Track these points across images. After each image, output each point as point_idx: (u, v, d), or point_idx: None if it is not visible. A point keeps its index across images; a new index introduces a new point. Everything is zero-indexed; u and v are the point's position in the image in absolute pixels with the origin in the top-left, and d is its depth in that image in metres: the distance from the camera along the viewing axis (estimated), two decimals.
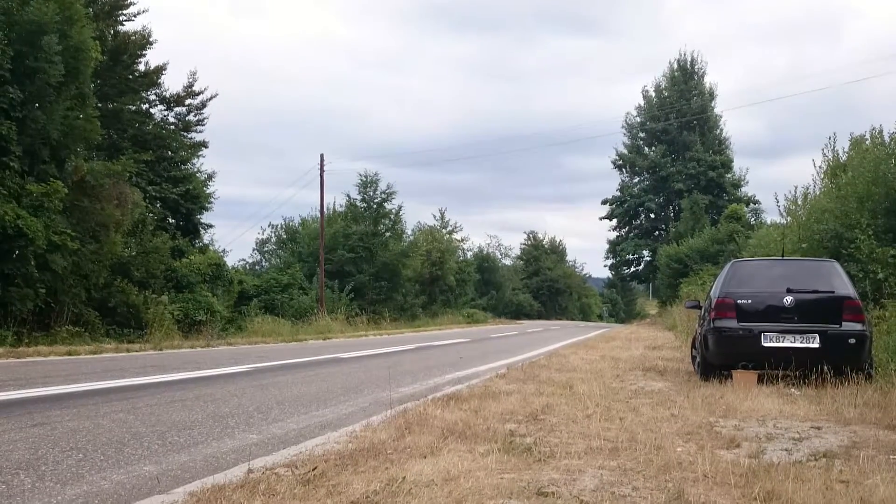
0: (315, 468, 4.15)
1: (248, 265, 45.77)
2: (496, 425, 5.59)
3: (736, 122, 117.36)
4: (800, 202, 16.79)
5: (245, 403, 7.52)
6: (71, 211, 19.33)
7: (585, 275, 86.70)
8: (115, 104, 28.39)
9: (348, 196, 44.36)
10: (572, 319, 69.85)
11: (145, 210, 24.45)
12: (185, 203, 29.74)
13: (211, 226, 33.36)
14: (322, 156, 36.68)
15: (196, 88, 32.89)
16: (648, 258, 61.63)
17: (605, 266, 69.26)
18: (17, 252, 16.94)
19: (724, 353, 9.30)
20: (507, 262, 79.12)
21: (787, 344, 8.87)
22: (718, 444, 5.20)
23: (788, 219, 17.39)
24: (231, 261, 36.36)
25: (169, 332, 20.10)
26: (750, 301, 9.26)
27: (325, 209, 37.70)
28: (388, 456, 4.52)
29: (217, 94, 33.42)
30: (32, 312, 17.56)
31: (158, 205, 28.41)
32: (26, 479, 4.16)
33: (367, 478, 3.93)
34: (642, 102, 62.51)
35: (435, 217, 58.29)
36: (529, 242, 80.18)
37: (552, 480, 3.94)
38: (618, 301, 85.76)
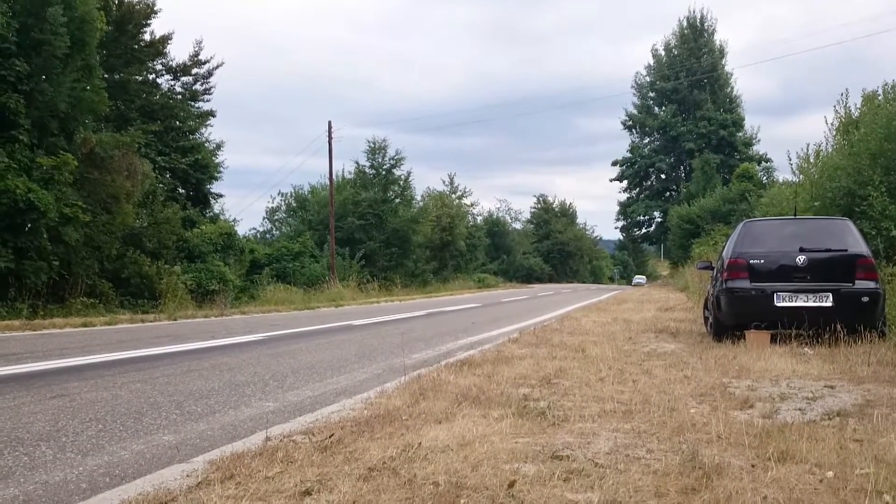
0: (332, 435, 4.19)
1: (258, 234, 45.92)
2: (510, 390, 5.63)
3: (747, 79, 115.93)
4: (812, 160, 16.61)
5: (260, 371, 7.60)
6: (81, 183, 19.37)
7: (596, 237, 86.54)
8: (122, 75, 28.28)
9: (357, 163, 44.35)
10: (583, 282, 69.88)
11: (155, 181, 24.48)
12: (194, 173, 29.76)
13: (221, 195, 33.47)
14: (330, 123, 36.55)
15: (202, 57, 32.74)
16: (659, 219, 61.44)
17: (615, 228, 69.25)
18: (29, 225, 17.03)
19: (736, 314, 9.29)
20: (518, 226, 79.04)
21: (799, 303, 8.84)
22: (732, 404, 5.21)
23: (801, 177, 17.22)
24: (242, 230, 36.45)
25: (182, 301, 20.25)
26: (762, 261, 9.22)
27: (333, 176, 37.64)
28: (403, 422, 4.55)
29: (223, 63, 33.26)
30: (47, 285, 17.70)
31: (168, 175, 28.45)
32: (48, 451, 4.23)
33: (383, 444, 3.97)
34: (652, 62, 61.88)
35: (444, 182, 58.29)
36: (539, 206, 79.97)
37: (566, 444, 3.97)
38: (629, 263, 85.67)
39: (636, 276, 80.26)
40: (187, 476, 3.56)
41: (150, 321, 14.64)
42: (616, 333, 11.06)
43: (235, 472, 3.52)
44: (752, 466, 3.58)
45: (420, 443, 3.90)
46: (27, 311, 15.77)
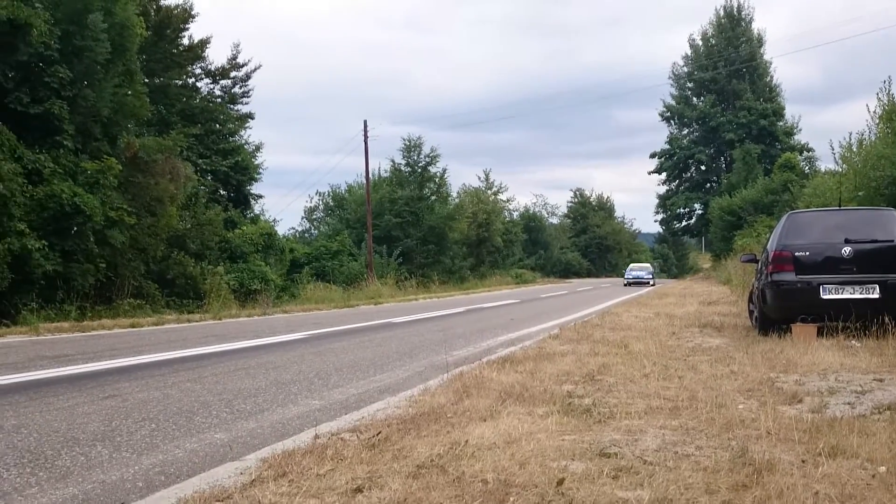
0: (379, 433, 4.25)
1: (297, 233, 46.43)
2: (553, 387, 5.63)
3: (787, 68, 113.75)
4: (855, 149, 16.28)
5: (305, 370, 7.71)
6: (126, 187, 19.78)
7: (635, 230, 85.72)
8: (162, 79, 28.77)
9: (392, 161, 44.54)
10: (623, 276, 69.16)
11: (197, 183, 24.90)
12: (234, 175, 30.21)
13: (261, 196, 33.92)
14: (365, 122, 36.77)
15: (240, 61, 33.17)
16: (700, 211, 60.64)
17: (655, 221, 68.40)
18: (75, 228, 17.45)
19: (782, 307, 9.17)
20: (555, 220, 78.68)
21: (846, 295, 8.70)
22: (780, 399, 5.16)
23: (844, 167, 16.89)
24: (281, 230, 36.91)
25: (226, 301, 20.57)
26: (807, 253, 9.08)
27: (370, 175, 37.89)
28: (448, 420, 4.59)
29: (260, 66, 33.68)
30: (94, 287, 18.12)
31: (209, 177, 28.90)
32: (103, 450, 4.35)
33: (430, 441, 4.01)
34: (689, 52, 61.06)
35: (479, 178, 58.23)
36: (576, 200, 79.49)
37: (614, 441, 3.97)
38: (669, 256, 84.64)
39: (633, 267, 49.06)
40: (241, 474, 3.64)
41: (196, 321, 14.91)
42: (659, 328, 10.97)
43: (288, 470, 3.60)
44: (803, 462, 3.55)
45: (467, 440, 3.93)
46: (76, 312, 16.15)
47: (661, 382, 5.91)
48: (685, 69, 61.15)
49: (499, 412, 4.73)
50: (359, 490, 3.22)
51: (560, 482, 3.23)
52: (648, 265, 51.66)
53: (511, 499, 3.07)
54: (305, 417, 5.32)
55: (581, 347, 8.39)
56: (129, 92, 21.74)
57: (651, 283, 43.59)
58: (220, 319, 15.44)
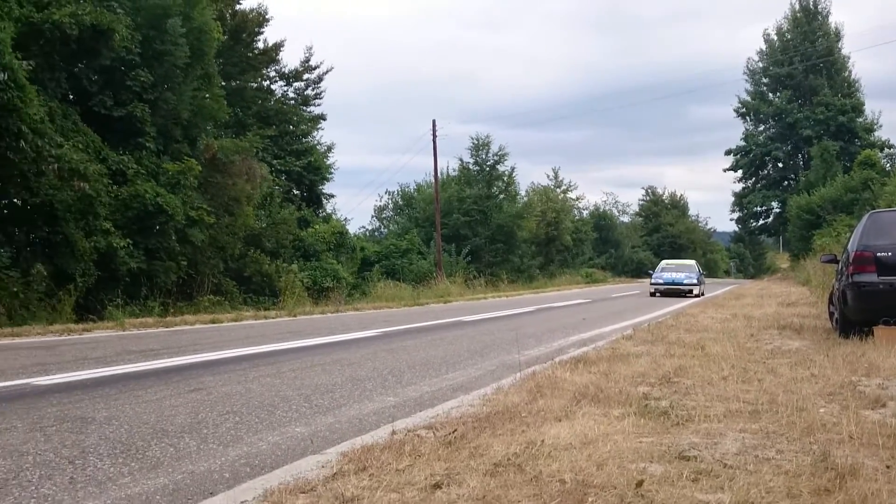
0: (455, 430, 4.31)
1: (367, 232, 47.01)
2: (628, 388, 5.59)
3: (866, 62, 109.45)
4: None
5: (379, 367, 7.84)
6: (205, 187, 20.46)
7: (710, 229, 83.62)
8: (238, 82, 29.63)
9: (461, 160, 44.67)
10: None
11: (272, 183, 25.54)
12: (307, 175, 30.88)
13: (332, 196, 34.59)
14: (434, 121, 37.00)
15: (312, 63, 33.87)
16: (778, 210, 58.93)
17: (730, 220, 66.75)
18: (157, 227, 18.14)
19: (864, 309, 8.87)
20: (626, 219, 77.38)
21: None
22: (862, 403, 5.01)
23: None
24: (352, 228, 37.59)
25: (300, 298, 21.06)
26: (890, 254, 8.76)
27: (438, 174, 38.12)
28: (523, 419, 4.62)
29: (332, 68, 34.35)
30: (176, 283, 18.82)
31: (283, 177, 29.63)
32: (191, 442, 4.53)
33: (505, 440, 4.05)
34: (764, 46, 59.34)
35: (548, 176, 57.63)
36: (648, 198, 77.98)
37: (693, 444, 3.94)
38: (745, 256, 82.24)
39: (667, 265, 30.93)
40: (322, 467, 3.76)
41: (272, 317, 15.29)
42: (736, 330, 10.74)
43: (367, 465, 3.69)
44: (888, 468, 3.46)
45: (542, 440, 3.95)
46: (159, 308, 16.79)
47: (740, 385, 5.80)
48: (760, 64, 59.50)
49: (574, 413, 4.74)
50: (437, 486, 3.29)
51: (639, 484, 3.22)
52: (693, 263, 31.86)
53: (590, 499, 3.08)
54: (381, 413, 5.43)
55: (656, 349, 8.28)
56: (208, 95, 22.48)
57: (695, 291, 26.68)
58: (294, 316, 15.80)
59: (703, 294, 27.00)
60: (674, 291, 26.69)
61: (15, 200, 16.04)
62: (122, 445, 4.38)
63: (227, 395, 6.05)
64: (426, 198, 43.20)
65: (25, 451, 4.17)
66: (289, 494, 3.26)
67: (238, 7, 30.21)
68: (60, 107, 17.06)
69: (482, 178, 43.09)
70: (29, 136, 14.26)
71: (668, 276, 28.05)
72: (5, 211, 15.97)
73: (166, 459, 4.13)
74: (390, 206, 50.04)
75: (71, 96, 18.60)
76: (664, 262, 32.92)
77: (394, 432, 4.41)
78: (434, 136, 36.84)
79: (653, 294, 26.91)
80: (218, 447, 4.42)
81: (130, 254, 17.12)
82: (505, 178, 44.23)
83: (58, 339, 10.54)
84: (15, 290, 14.12)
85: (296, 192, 31.03)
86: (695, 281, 27.49)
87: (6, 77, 13.70)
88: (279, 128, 30.56)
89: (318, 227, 28.24)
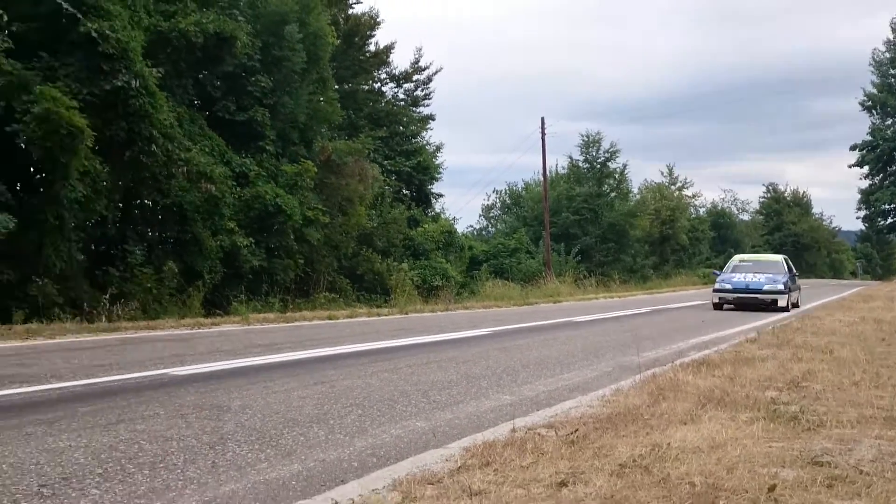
0: (576, 430, 4.30)
1: (475, 231, 47.29)
2: (755, 393, 5.41)
3: None
4: None
5: (493, 365, 7.89)
6: (320, 188, 21.17)
7: (834, 228, 79.28)
8: (351, 85, 30.44)
9: (570, 158, 44.17)
10: (821, 277, 64.09)
11: (383, 183, 26.11)
12: (416, 175, 31.37)
13: (441, 195, 35.00)
14: (542, 119, 36.74)
15: (422, 64, 34.33)
16: None
17: (857, 218, 63.01)
18: (276, 227, 18.91)
19: None
20: (745, 217, 74.47)
21: None
22: None
23: None
24: (460, 228, 37.87)
25: (410, 296, 21.43)
26: None
27: (547, 172, 37.86)
28: (646, 421, 4.56)
29: (441, 69, 34.66)
30: (294, 281, 19.56)
31: (394, 177, 30.21)
32: (319, 432, 4.71)
33: (629, 442, 4.01)
34: (891, 36, 55.61)
35: (662, 173, 56.04)
36: (769, 195, 74.64)
37: (825, 450, 3.78)
38: (873, 256, 77.52)
39: (740, 262, 21.36)
40: (446, 460, 3.83)
41: (385, 315, 15.63)
42: (866, 334, 10.17)
43: (491, 460, 3.74)
44: None
45: (668, 443, 3.89)
46: (279, 304, 17.49)
47: (873, 391, 5.52)
48: (887, 55, 55.83)
49: (699, 416, 4.63)
50: (563, 484, 3.29)
51: (771, 489, 3.13)
52: (780, 260, 21.96)
53: (721, 503, 3.02)
54: (498, 411, 5.48)
55: (782, 353, 7.96)
56: (322, 98, 23.25)
57: (780, 302, 18.06)
58: (406, 314, 16.09)
59: (795, 306, 19.03)
60: (748, 303, 17.99)
61: (146, 202, 17.11)
62: (257, 433, 4.61)
63: (348, 389, 6.25)
64: (534, 196, 43.01)
65: (170, 437, 4.45)
66: (417, 485, 3.34)
67: (351, 11, 31.04)
68: (188, 112, 18.05)
69: (592, 175, 42.50)
70: (160, 140, 15.14)
71: (740, 279, 18.96)
72: (136, 211, 17.03)
73: (298, 448, 4.32)
74: (498, 204, 50.20)
75: (197, 102, 19.66)
76: (737, 257, 23.84)
77: (514, 430, 4.44)
78: (543, 133, 36.63)
79: (717, 307, 18.30)
80: (344, 437, 4.58)
81: (252, 252, 17.92)
82: (616, 176, 43.48)
83: (189, 332, 11.16)
84: (149, 285, 15.03)
85: (405, 191, 31.58)
86: (780, 287, 18.20)
87: (138, 84, 14.60)
88: (389, 129, 31.19)
89: (427, 226, 28.65)
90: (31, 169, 14.45)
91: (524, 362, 8.23)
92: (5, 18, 14.01)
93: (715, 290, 18.96)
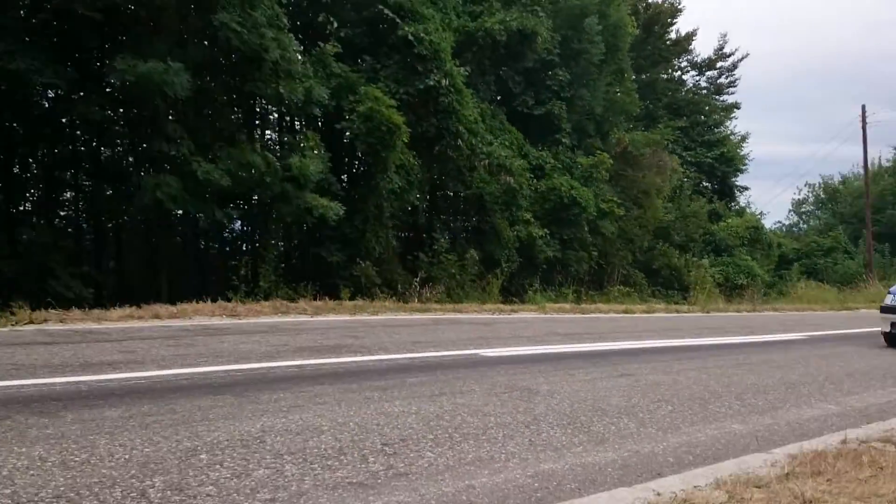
0: None
1: (784, 227, 43.94)
2: None
3: None
4: None
5: (812, 372, 7.28)
6: (616, 180, 21.01)
7: None
8: (649, 75, 29.75)
9: (895, 149, 39.01)
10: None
11: (682, 175, 25.20)
12: (719, 166, 29.85)
13: (746, 188, 33.02)
14: (863, 107, 32.85)
15: (726, 50, 32.55)
16: None
17: None
18: (571, 218, 19.13)
19: None
20: None
21: None
22: None
23: None
24: (767, 223, 35.35)
25: (711, 294, 20.46)
26: None
27: (868, 165, 33.77)
28: None
29: (748, 55, 32.66)
30: (587, 273, 19.66)
31: (693, 169, 29.02)
32: (630, 424, 4.69)
33: None
34: None
35: None
36: None
37: None
38: None
39: None
40: (771, 465, 3.62)
41: (684, 312, 15.12)
42: None
43: (822, 470, 3.48)
44: None
45: None
46: (572, 295, 17.70)
47: None
48: None
49: None
50: None
51: None
52: None
53: None
54: (822, 421, 5.07)
55: None
56: (619, 90, 23.02)
57: None
58: (707, 312, 15.40)
59: None
60: None
61: (450, 193, 18.28)
62: (567, 418, 4.72)
63: (655, 384, 6.14)
64: (853, 191, 38.90)
65: (487, 413, 4.72)
66: (742, 486, 3.21)
67: (651, 0, 30.32)
68: (490, 108, 18.93)
69: None
70: (465, 135, 16.12)
71: None
72: (441, 202, 18.25)
73: (610, 436, 4.34)
74: (811, 199, 46.24)
75: (498, 97, 20.53)
76: None
77: (845, 441, 4.07)
78: (864, 122, 32.73)
79: (889, 338, 10.41)
80: (657, 432, 4.51)
81: (547, 243, 18.33)
82: None
83: (491, 317, 11.74)
84: (453, 271, 16.05)
85: (706, 184, 30.18)
86: None
87: (448, 83, 15.64)
88: (690, 118, 29.99)
89: (730, 220, 27.15)
90: (357, 163, 16.22)
91: (848, 371, 7.48)
92: (335, 25, 15.86)
93: (884, 313, 10.75)
